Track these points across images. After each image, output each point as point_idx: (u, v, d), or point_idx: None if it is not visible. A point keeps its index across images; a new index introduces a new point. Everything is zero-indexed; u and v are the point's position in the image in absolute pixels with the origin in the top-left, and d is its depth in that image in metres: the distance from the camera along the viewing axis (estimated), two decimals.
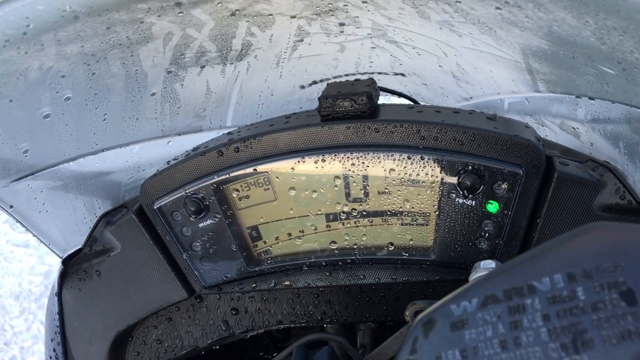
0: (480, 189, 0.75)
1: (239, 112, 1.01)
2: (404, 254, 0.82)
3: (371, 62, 0.93)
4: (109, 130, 0.80)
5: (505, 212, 0.76)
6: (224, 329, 1.00)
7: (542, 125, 0.87)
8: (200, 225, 0.85)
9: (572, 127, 0.77)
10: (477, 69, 0.82)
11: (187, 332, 1.00)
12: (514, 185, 0.74)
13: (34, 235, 0.81)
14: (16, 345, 3.32)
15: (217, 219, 0.84)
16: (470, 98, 0.98)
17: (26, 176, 0.74)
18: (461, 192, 0.75)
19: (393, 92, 0.98)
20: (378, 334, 1.05)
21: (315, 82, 1.03)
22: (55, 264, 3.65)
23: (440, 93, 1.03)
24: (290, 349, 0.85)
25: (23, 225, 0.78)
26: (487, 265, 0.56)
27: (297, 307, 0.99)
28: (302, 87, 1.04)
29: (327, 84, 0.84)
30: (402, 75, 0.99)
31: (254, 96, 0.99)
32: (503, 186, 0.74)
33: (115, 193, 0.94)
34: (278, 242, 0.86)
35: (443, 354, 0.40)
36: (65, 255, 0.90)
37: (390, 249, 0.82)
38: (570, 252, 0.40)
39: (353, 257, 0.84)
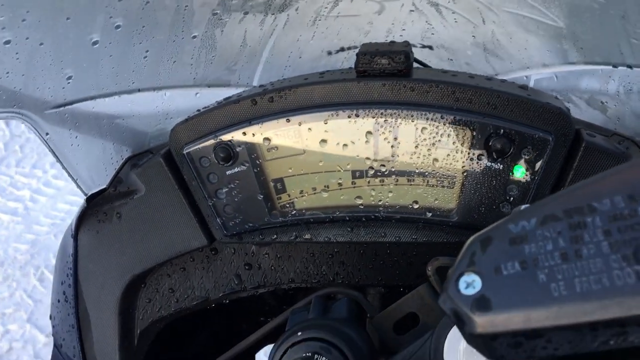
0: (510, 153, 0.77)
1: (267, 71, 1.03)
2: (427, 213, 0.83)
3: (403, 29, 0.95)
4: (147, 70, 0.81)
5: (531, 178, 0.78)
6: (236, 282, 1.01)
7: (568, 102, 0.90)
8: (228, 172, 0.86)
9: (601, 102, 0.80)
10: (512, 38, 0.84)
11: (200, 283, 1.01)
12: (542, 151, 0.76)
13: (63, 168, 0.82)
14: None
15: (244, 168, 0.85)
16: (496, 75, 1.01)
17: (65, 105, 0.75)
18: (490, 156, 0.78)
19: (419, 63, 0.99)
20: (387, 299, 1.06)
21: (342, 49, 1.05)
22: (43, 233, 3.63)
23: (464, 70, 1.06)
24: (308, 299, 0.87)
25: (55, 156, 0.79)
26: None
27: (310, 267, 1.00)
28: (329, 53, 1.05)
29: (362, 44, 0.86)
30: (430, 48, 1.01)
31: (284, 56, 1.00)
32: (532, 152, 0.76)
33: (141, 138, 0.95)
34: (302, 196, 0.87)
35: (502, 266, 0.42)
36: (90, 193, 0.91)
37: (415, 207, 0.83)
38: (629, 177, 0.42)
39: (377, 214, 0.85)
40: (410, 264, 0.97)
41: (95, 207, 0.96)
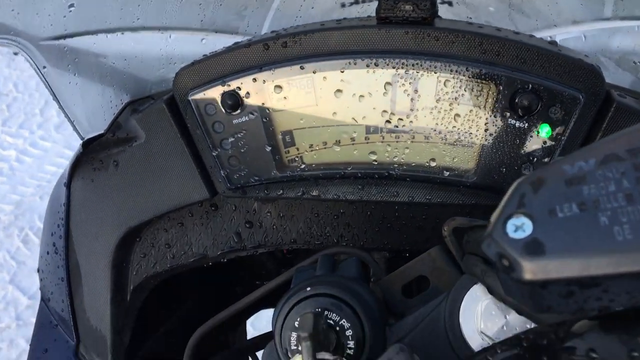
0: (536, 110, 0.73)
1: (277, 20, 0.97)
2: (444, 172, 0.79)
3: None
4: (153, 5, 0.76)
5: (557, 138, 0.74)
6: (235, 240, 0.97)
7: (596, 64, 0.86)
8: (235, 122, 0.81)
9: (633, 62, 0.76)
10: None
11: (198, 239, 0.97)
12: (571, 110, 0.72)
13: (60, 107, 0.76)
14: None
15: (253, 117, 0.81)
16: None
17: (65, 37, 0.70)
18: (515, 113, 0.73)
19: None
20: (392, 264, 1.03)
21: (357, 2, 1.00)
22: (28, 194, 3.56)
23: None
24: (313, 257, 0.83)
25: (52, 93, 0.74)
26: None
27: (313, 228, 0.96)
28: (343, 5, 1.00)
29: None
30: (449, 4, 0.97)
31: (295, 5, 0.95)
32: (560, 111, 0.72)
33: (142, 84, 0.90)
34: (312, 150, 0.83)
35: (557, 207, 0.38)
36: (87, 138, 0.85)
37: (432, 165, 0.79)
38: None
39: (390, 172, 0.81)
40: (419, 227, 0.93)
41: (91, 154, 0.90)
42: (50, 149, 3.76)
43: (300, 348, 0.63)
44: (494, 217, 0.40)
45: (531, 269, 0.37)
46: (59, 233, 0.98)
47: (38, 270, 1.07)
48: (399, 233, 0.94)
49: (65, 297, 0.98)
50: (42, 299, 1.04)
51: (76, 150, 0.88)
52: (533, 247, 0.37)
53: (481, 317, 0.65)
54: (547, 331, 0.47)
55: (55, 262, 1.00)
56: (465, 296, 0.66)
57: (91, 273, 0.95)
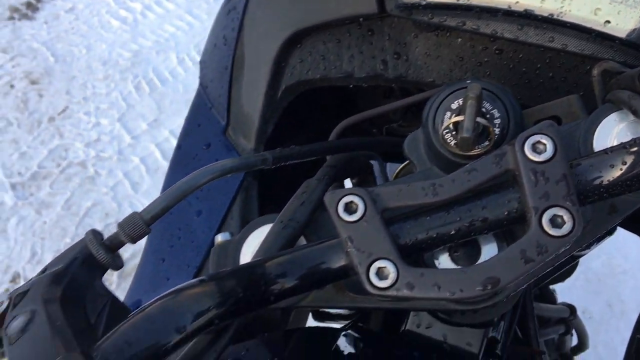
0: None
1: None
2: (606, 24, 0.85)
3: None
4: None
5: None
6: (382, 68, 1.07)
7: None
8: None
9: None
10: None
11: (349, 57, 1.08)
12: None
13: None
14: (92, 104, 3.51)
15: None
16: None
17: None
18: None
19: None
20: None
21: None
22: (146, 47, 3.76)
23: None
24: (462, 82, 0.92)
25: None
26: None
27: (455, 71, 1.04)
28: None
29: None
30: None
31: None
32: None
33: None
34: None
35: None
36: None
37: (596, 15, 0.85)
38: None
39: (554, 15, 0.87)
40: (555, 89, 1.00)
41: None
42: (172, 10, 3.95)
43: (452, 124, 0.74)
44: None
45: None
46: (232, 26, 1.11)
47: (200, 62, 1.22)
48: (535, 90, 1.01)
49: (226, 83, 1.12)
50: (201, 85, 1.19)
51: None
52: None
53: (616, 137, 0.73)
54: None
55: (221, 53, 1.14)
56: (605, 119, 0.75)
57: (254, 65, 1.09)
